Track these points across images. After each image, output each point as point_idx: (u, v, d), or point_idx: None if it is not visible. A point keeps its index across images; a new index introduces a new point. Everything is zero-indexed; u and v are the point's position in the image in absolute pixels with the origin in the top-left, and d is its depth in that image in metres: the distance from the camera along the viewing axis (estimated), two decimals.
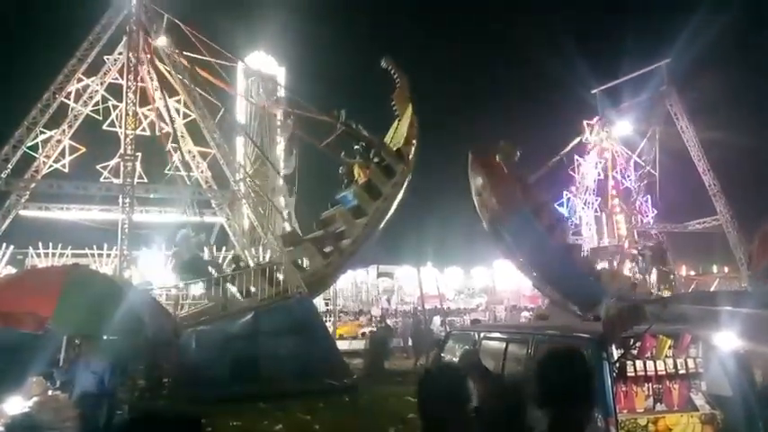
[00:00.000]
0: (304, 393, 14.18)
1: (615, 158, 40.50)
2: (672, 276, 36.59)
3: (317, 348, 16.03)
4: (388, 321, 25.52)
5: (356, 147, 21.17)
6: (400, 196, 20.14)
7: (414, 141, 20.60)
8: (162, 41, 25.53)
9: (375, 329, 23.65)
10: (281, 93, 43.47)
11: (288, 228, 36.44)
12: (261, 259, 28.37)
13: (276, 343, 15.01)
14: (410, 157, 20.35)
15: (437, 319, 23.48)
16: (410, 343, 22.93)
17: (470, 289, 38.41)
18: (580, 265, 21.04)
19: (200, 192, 28.48)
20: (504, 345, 6.93)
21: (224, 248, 31.90)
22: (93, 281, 8.16)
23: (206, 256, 20.76)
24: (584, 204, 39.71)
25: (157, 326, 7.79)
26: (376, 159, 20.30)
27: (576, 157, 40.77)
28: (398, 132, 21.08)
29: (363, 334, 28.37)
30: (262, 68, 43.83)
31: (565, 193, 40.21)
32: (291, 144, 37.90)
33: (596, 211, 39.91)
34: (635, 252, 34.24)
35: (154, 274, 28.49)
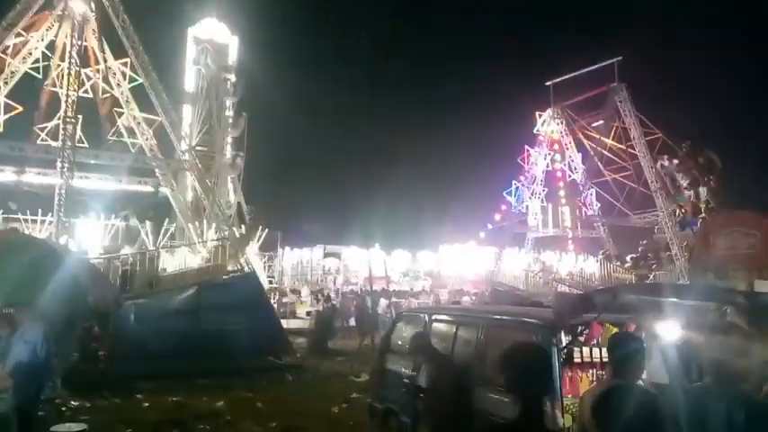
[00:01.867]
0: (246, 370, 14.04)
1: (564, 150, 41.50)
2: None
3: (261, 325, 15.84)
4: (334, 302, 25.46)
5: None
6: None
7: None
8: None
9: (320, 309, 23.56)
10: (231, 61, 42.41)
11: (233, 199, 35.94)
12: (205, 233, 27.78)
13: (219, 319, 14.73)
14: None
15: (383, 301, 23.59)
16: (353, 323, 22.97)
17: (416, 272, 38.79)
18: None
19: (144, 160, 27.47)
20: (453, 328, 6.98)
21: (167, 220, 31.05)
22: (28, 246, 7.74)
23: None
24: (532, 194, 40.63)
25: (100, 294, 7.48)
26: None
27: (526, 147, 41.57)
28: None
29: (308, 313, 28.24)
30: (213, 36, 42.57)
31: (514, 182, 41.01)
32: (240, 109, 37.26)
33: (543, 201, 40.89)
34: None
35: (91, 242, 27.50)
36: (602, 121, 38.40)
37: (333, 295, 28.71)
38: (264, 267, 34.87)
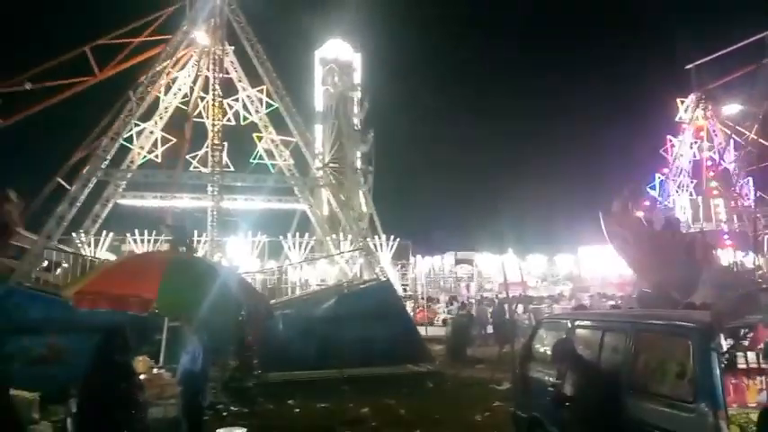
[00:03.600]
0: (386, 377, 14.35)
1: (713, 138, 37.99)
2: None
3: (399, 333, 16.13)
4: (469, 308, 25.28)
5: None
6: None
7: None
8: (244, 33, 26.32)
9: (455, 316, 23.52)
10: (357, 79, 43.79)
11: (365, 210, 36.99)
12: (341, 245, 28.92)
13: (358, 326, 15.19)
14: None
15: (520, 307, 23.04)
16: (490, 330, 22.64)
17: (554, 276, 37.41)
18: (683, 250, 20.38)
19: (283, 179, 29.26)
20: (599, 333, 6.67)
21: (306, 234, 32.72)
22: (192, 264, 8.53)
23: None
24: (679, 187, 37.60)
25: (253, 306, 8.06)
26: None
27: (668, 137, 38.63)
28: None
29: (444, 321, 28.32)
30: (338, 56, 44.44)
31: (657, 175, 38.25)
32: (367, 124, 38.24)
33: (691, 194, 37.67)
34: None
35: (241, 258, 29.68)
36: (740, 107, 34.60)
37: (467, 302, 28.50)
38: (398, 276, 35.54)
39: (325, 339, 14.70)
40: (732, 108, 35.66)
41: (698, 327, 5.30)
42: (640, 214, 24.97)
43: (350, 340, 14.75)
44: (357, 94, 43.56)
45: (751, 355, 5.43)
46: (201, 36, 26.75)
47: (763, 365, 5.40)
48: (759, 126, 32.70)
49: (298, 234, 32.22)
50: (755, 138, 33.03)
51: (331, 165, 33.82)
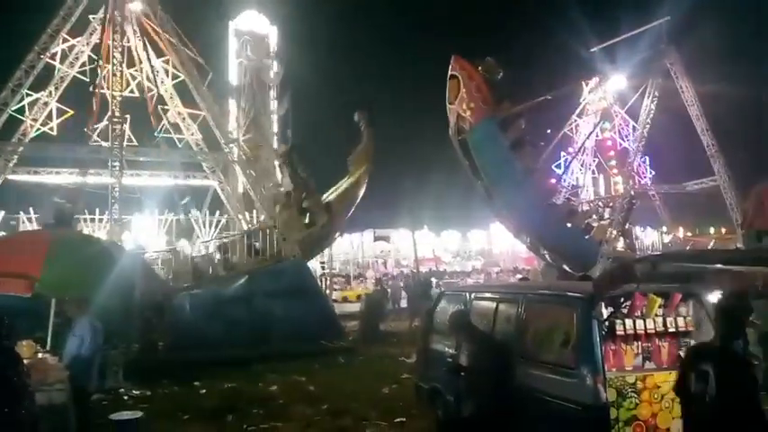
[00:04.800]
0: (299, 355, 14.28)
1: (613, 118, 40.09)
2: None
3: (312, 310, 16.11)
4: (384, 285, 25.63)
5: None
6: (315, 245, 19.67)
7: (348, 201, 20.13)
8: (137, 6, 24.85)
9: (370, 292, 23.77)
10: (272, 51, 42.73)
11: (283, 190, 36.37)
12: (255, 223, 28.40)
13: (270, 305, 15.07)
14: (337, 214, 19.90)
15: (432, 282, 23.60)
16: (404, 305, 23.04)
17: (467, 252, 38.51)
18: (570, 222, 21.00)
19: (190, 155, 28.22)
20: (494, 304, 6.90)
21: (217, 212, 31.86)
22: (81, 243, 8.06)
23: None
24: (582, 166, 39.52)
25: (148, 288, 7.73)
26: (304, 204, 19.73)
27: (573, 117, 40.39)
28: (340, 189, 20.61)
29: (359, 297, 28.54)
30: (253, 28, 43.09)
31: (562, 153, 39.98)
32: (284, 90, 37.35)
33: (594, 172, 39.72)
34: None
35: (146, 238, 28.51)
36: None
37: (383, 278, 28.84)
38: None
39: (236, 319, 14.45)
40: (623, 86, 37.52)
41: (579, 296, 5.59)
42: None
43: (261, 319, 14.60)
44: (273, 66, 42.52)
45: (629, 322, 5.75)
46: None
47: (639, 332, 5.75)
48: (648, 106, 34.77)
49: (208, 212, 31.31)
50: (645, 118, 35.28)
51: (245, 138, 32.91)
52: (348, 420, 9.08)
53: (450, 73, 20.01)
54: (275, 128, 39.48)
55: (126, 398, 10.59)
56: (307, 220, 19.25)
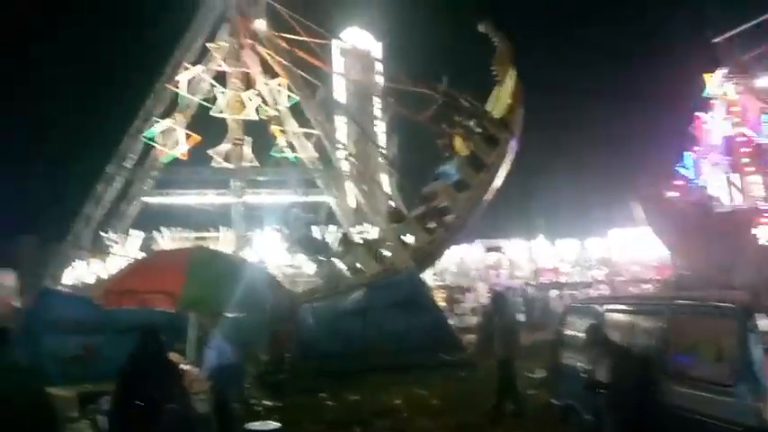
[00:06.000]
0: (417, 368, 14.22)
1: (746, 113, 36.72)
2: None
3: (429, 323, 16.03)
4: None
5: (457, 118, 20.55)
6: (506, 167, 19.54)
7: (518, 108, 19.79)
8: (260, 25, 26.21)
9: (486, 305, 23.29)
10: (379, 68, 43.42)
11: (392, 204, 36.76)
12: (367, 237, 28.93)
13: (387, 317, 15.16)
14: (515, 125, 19.63)
15: (554, 293, 22.72)
16: (522, 318, 22.38)
17: (587, 261, 36.68)
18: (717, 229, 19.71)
19: (305, 172, 29.36)
20: (631, 317, 6.47)
21: (329, 227, 32.81)
22: (215, 260, 8.54)
23: (316, 234, 21.33)
24: (712, 165, 36.46)
25: (276, 301, 8.04)
26: (479, 129, 19.74)
27: (698, 114, 37.52)
28: (501, 99, 20.26)
29: (473, 310, 28.04)
30: (357, 44, 44.11)
31: (687, 153, 37.18)
32: (392, 124, 37.74)
33: (726, 172, 36.47)
34: None
35: (268, 253, 29.86)
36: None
37: (494, 290, 28.16)
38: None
39: (355, 331, 14.69)
40: (765, 81, 34.41)
41: (736, 307, 5.09)
42: (673, 195, 24.27)
43: (379, 332, 14.72)
44: (379, 83, 43.27)
45: None
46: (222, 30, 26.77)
47: None
48: None
49: (325, 227, 32.28)
50: None
51: (353, 155, 33.68)
52: None
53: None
54: (382, 141, 40.09)
55: (258, 408, 11.04)
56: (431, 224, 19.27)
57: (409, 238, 19.91)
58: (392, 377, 13.22)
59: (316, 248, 18.62)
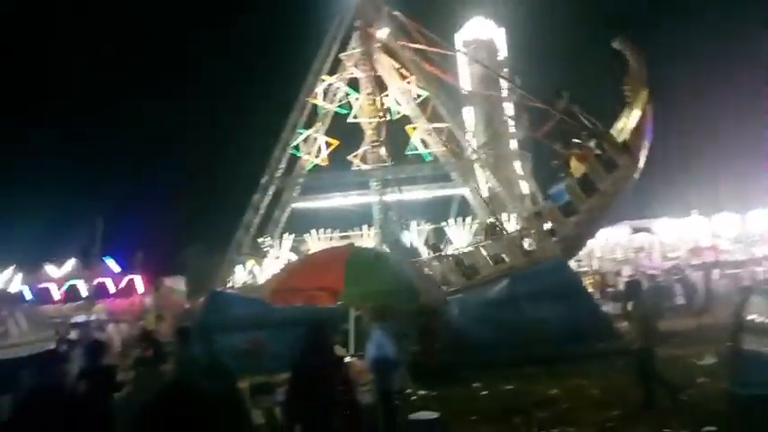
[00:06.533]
0: (570, 357, 13.76)
1: None
2: None
3: (578, 310, 15.44)
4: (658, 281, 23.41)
5: (575, 139, 19.61)
6: (623, 191, 18.45)
7: (644, 133, 18.51)
8: (384, 32, 26.84)
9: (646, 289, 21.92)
10: (501, 56, 42.51)
11: (526, 190, 35.87)
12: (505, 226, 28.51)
13: (535, 306, 14.81)
14: (638, 151, 18.38)
15: (716, 273, 20.90)
16: (681, 301, 20.84)
17: (750, 237, 33.17)
18: None
19: (439, 167, 29.56)
20: None
21: (464, 219, 32.67)
22: (371, 257, 8.88)
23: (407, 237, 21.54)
24: None
25: (430, 294, 8.20)
26: (597, 151, 18.69)
27: None
28: (629, 122, 19.01)
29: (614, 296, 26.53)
30: (480, 34, 43.48)
31: None
32: (521, 108, 36.87)
33: None
34: None
35: (407, 247, 30.44)
36: None
37: (653, 273, 26.41)
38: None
39: (501, 321, 14.50)
40: None
41: None
42: None
43: (526, 321, 14.41)
44: (504, 71, 42.41)
45: None
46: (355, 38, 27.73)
47: None
48: None
49: (459, 219, 32.26)
50: None
51: (484, 146, 33.28)
52: (645, 429, 8.44)
53: None
54: (512, 130, 39.24)
55: (414, 398, 11.29)
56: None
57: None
58: (545, 367, 12.90)
59: (404, 251, 18.77)
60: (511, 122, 38.50)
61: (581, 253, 35.09)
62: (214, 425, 4.42)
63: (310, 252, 25.79)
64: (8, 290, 30.77)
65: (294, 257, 23.30)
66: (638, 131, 18.60)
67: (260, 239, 27.54)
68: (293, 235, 30.15)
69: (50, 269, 31.62)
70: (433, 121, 29.34)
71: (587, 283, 25.46)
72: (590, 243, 36.86)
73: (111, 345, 20.59)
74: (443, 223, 32.45)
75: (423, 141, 30.02)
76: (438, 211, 33.84)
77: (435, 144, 29.59)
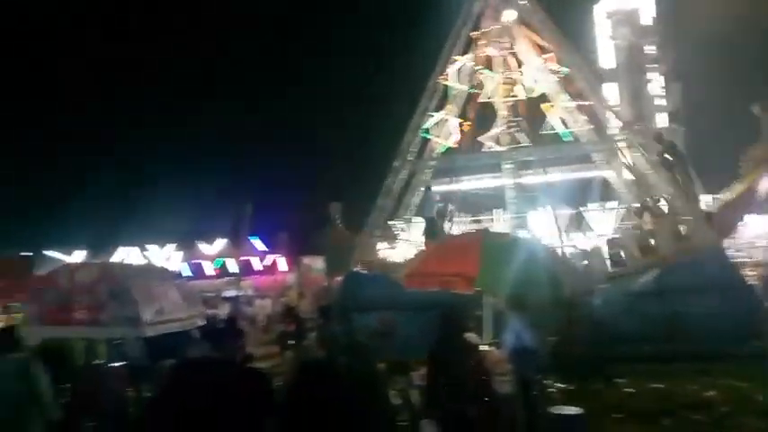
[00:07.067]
0: (727, 356, 12.49)
1: None
2: None
3: (739, 306, 13.96)
4: None
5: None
6: None
7: (735, 208, 16.42)
8: (512, 14, 25.84)
9: None
10: (647, 27, 39.49)
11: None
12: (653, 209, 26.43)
13: (687, 300, 13.62)
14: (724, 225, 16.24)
15: None
16: None
17: None
18: None
19: (579, 147, 28.04)
20: None
21: (606, 202, 30.75)
22: (507, 242, 8.62)
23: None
24: None
25: (573, 283, 7.78)
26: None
27: None
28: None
29: None
30: (622, 5, 40.64)
31: None
32: (673, 73, 34.07)
33: None
34: None
35: (544, 234, 29.35)
36: None
37: None
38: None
39: (648, 314, 13.52)
40: None
41: None
42: None
43: (676, 315, 13.31)
44: (651, 44, 39.26)
45: None
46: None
47: None
48: None
49: (599, 203, 30.43)
50: None
51: (630, 124, 31.06)
52: None
53: None
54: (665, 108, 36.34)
55: (551, 390, 10.85)
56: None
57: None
58: (698, 366, 11.84)
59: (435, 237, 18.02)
60: (660, 95, 35.75)
61: (740, 242, 31.94)
62: (353, 403, 4.49)
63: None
64: (168, 266, 34.25)
65: (425, 241, 23.47)
66: (731, 206, 16.52)
67: (390, 222, 27.95)
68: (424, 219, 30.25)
69: (204, 247, 34.67)
70: (573, 99, 27.81)
71: (748, 275, 23.01)
72: (749, 232, 33.42)
73: (256, 319, 22.19)
74: (582, 208, 30.86)
75: (561, 120, 28.59)
76: (572, 195, 32.30)
77: (575, 123, 28.06)
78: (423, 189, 29.64)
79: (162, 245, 34.96)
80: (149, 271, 7.39)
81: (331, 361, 6.11)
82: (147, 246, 34.46)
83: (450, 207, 24.22)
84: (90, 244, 33.60)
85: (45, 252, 32.17)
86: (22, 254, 28.43)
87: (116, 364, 8.93)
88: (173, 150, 57.54)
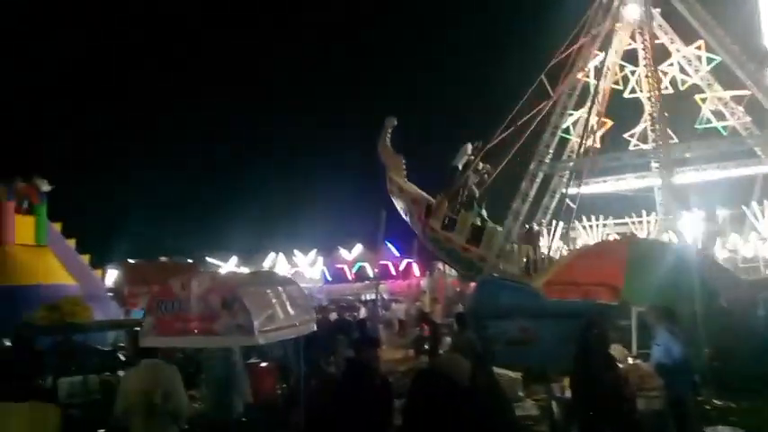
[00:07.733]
0: None
1: None
2: None
3: None
4: None
5: None
6: None
7: None
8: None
9: None
10: None
11: None
12: None
13: None
14: None
15: None
16: None
17: None
18: None
19: (739, 141, 25.35)
20: None
21: None
22: (657, 251, 8.12)
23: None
24: None
25: (729, 293, 7.14)
26: None
27: None
28: None
29: None
30: None
31: None
32: None
33: None
34: None
35: (697, 238, 26.94)
36: None
37: None
38: None
39: None
40: None
41: None
42: None
43: None
44: None
45: None
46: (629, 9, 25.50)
47: None
48: None
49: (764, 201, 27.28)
50: None
51: None
52: None
53: None
54: None
55: (707, 408, 10.00)
56: None
57: None
58: None
59: None
60: None
61: None
62: (473, 412, 4.46)
63: (580, 241, 24.58)
64: (312, 271, 36.12)
65: (563, 246, 22.50)
66: None
67: (527, 226, 27.17)
68: (561, 223, 29.02)
69: (343, 252, 36.18)
70: (729, 89, 25.25)
71: None
72: None
73: (392, 322, 22.69)
74: (743, 206, 27.91)
75: (716, 113, 26.05)
76: (732, 194, 29.28)
77: (733, 115, 25.43)
78: (562, 192, 28.49)
79: (306, 251, 37.01)
80: (259, 277, 7.82)
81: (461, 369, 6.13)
82: (295, 251, 36.72)
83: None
84: (242, 250, 36.45)
85: (207, 258, 35.38)
86: (189, 260, 31.19)
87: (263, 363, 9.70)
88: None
